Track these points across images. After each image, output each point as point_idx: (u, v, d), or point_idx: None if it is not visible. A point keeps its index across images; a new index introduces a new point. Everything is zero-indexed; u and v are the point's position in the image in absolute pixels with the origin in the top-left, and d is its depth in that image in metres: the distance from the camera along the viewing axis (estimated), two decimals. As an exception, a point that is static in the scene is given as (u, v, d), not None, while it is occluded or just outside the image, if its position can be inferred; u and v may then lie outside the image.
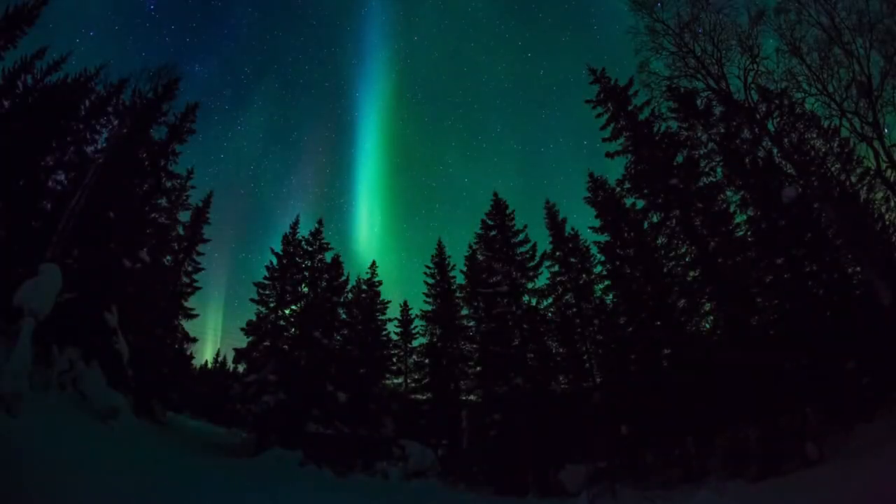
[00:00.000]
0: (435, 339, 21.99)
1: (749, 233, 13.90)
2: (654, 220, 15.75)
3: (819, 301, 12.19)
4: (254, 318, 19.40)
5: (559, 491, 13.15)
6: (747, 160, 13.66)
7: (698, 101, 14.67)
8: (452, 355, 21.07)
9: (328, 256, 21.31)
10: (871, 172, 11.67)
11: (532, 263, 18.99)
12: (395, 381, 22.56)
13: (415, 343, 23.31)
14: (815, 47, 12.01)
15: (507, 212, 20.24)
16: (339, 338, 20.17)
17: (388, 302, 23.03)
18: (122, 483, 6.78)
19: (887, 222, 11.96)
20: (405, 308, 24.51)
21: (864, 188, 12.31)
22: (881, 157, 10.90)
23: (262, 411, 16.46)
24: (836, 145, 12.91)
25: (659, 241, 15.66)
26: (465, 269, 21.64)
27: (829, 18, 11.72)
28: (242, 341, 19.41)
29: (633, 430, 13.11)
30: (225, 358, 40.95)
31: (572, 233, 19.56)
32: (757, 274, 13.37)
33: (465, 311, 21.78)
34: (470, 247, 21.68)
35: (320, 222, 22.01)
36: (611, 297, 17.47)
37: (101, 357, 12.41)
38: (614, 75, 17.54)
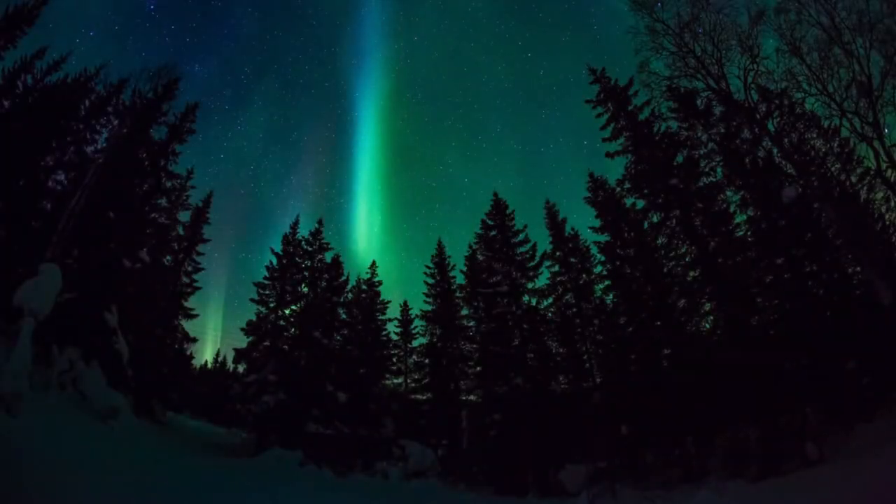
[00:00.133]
0: (435, 339, 21.99)
1: (749, 233, 13.89)
2: (654, 220, 15.75)
3: (819, 301, 12.18)
4: (254, 318, 19.42)
5: (559, 491, 13.15)
6: (747, 160, 13.65)
7: (698, 101, 14.67)
8: (452, 355, 21.07)
9: (328, 256, 21.35)
10: (872, 172, 11.67)
11: (532, 263, 18.99)
12: (395, 381, 22.56)
13: (415, 343, 23.33)
14: (815, 47, 12.02)
15: (507, 212, 20.24)
16: (339, 338, 20.17)
17: (388, 302, 23.07)
18: (122, 483, 6.77)
19: (887, 222, 11.96)
20: (405, 308, 24.52)
21: (865, 188, 12.30)
22: (881, 157, 10.90)
23: (262, 411, 16.46)
24: (836, 145, 12.91)
25: (659, 241, 15.66)
26: (465, 269, 21.64)
27: (829, 18, 11.72)
28: (242, 341, 19.45)
29: (633, 430, 13.11)
30: (225, 358, 40.98)
31: (572, 233, 19.57)
32: (757, 274, 13.37)
33: (465, 311, 21.79)
34: (470, 247, 21.69)
35: (320, 222, 22.04)
36: (611, 297, 17.48)
37: (101, 357, 12.41)
38: (614, 75, 17.57)
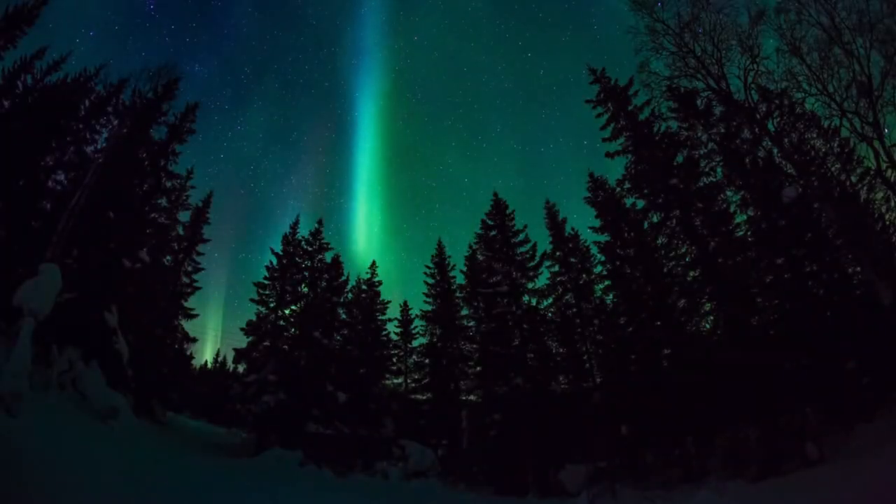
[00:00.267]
0: (435, 339, 21.99)
1: (749, 233, 13.90)
2: (654, 220, 15.75)
3: (819, 301, 12.18)
4: (254, 318, 19.42)
5: (559, 491, 13.15)
6: (747, 160, 13.65)
7: (698, 101, 14.67)
8: (452, 355, 21.08)
9: (328, 256, 21.35)
10: (872, 172, 11.66)
11: (532, 263, 18.99)
12: (395, 381, 22.56)
13: (415, 343, 23.33)
14: (815, 47, 12.01)
15: (507, 212, 20.24)
16: (339, 338, 20.17)
17: (388, 302, 23.07)
18: (122, 483, 6.77)
19: (887, 222, 11.95)
20: (405, 308, 24.52)
21: (865, 188, 12.30)
22: (881, 157, 10.90)
23: (262, 411, 16.46)
24: (836, 145, 12.91)
25: (659, 241, 15.66)
26: (465, 269, 21.65)
27: (829, 18, 11.71)
28: (242, 341, 19.45)
29: (633, 430, 13.11)
30: (225, 358, 40.94)
31: (572, 233, 19.58)
32: (757, 274, 13.37)
33: (465, 311, 21.80)
34: (470, 247, 21.70)
35: (320, 222, 22.04)
36: (611, 297, 17.49)
37: (101, 357, 12.41)
38: (614, 75, 17.58)
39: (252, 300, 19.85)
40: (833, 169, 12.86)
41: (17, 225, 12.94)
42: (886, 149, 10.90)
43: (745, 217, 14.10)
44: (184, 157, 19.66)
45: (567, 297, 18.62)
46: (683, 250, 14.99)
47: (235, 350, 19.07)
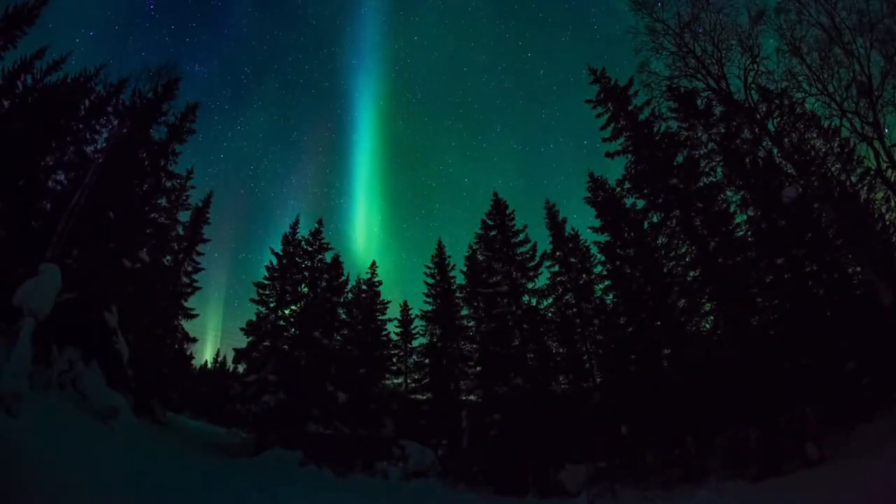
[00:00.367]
0: (435, 339, 21.99)
1: (749, 233, 13.89)
2: (654, 220, 15.75)
3: (819, 301, 12.18)
4: (254, 318, 19.42)
5: (559, 491, 13.15)
6: (747, 160, 13.65)
7: (698, 101, 14.66)
8: (452, 355, 21.08)
9: (328, 256, 21.35)
10: (872, 172, 11.66)
11: (532, 263, 18.99)
12: (395, 381, 22.56)
13: (415, 343, 23.33)
14: (815, 47, 12.01)
15: (507, 212, 20.24)
16: (339, 338, 20.17)
17: (388, 302, 23.07)
18: (121, 483, 6.77)
19: (887, 222, 11.95)
20: (405, 308, 24.52)
21: (865, 188, 12.30)
22: (881, 157, 10.90)
23: (262, 411, 16.46)
24: (836, 145, 12.90)
25: (659, 241, 15.66)
26: (465, 269, 21.65)
27: (829, 18, 11.71)
28: (242, 341, 19.45)
29: (633, 430, 13.11)
30: (225, 358, 40.95)
31: (572, 233, 19.58)
32: (757, 274, 13.37)
33: (465, 311, 21.80)
34: (470, 247, 21.70)
35: (320, 222, 22.04)
36: (611, 297, 17.49)
37: (101, 357, 12.40)
38: (614, 75, 17.58)
39: (252, 300, 19.88)
40: (833, 169, 12.85)
41: (17, 225, 12.94)
42: (886, 149, 10.90)
43: (745, 217, 14.12)
44: (184, 157, 19.69)
45: (567, 297, 18.62)
46: (683, 250, 15.00)
47: (235, 350, 19.08)
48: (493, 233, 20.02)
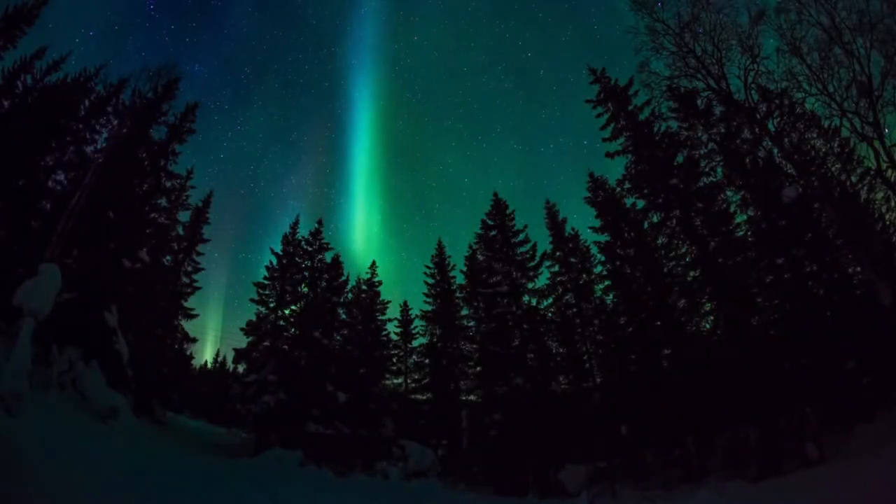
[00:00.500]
0: (435, 339, 21.99)
1: (749, 233, 13.90)
2: (655, 220, 15.76)
3: (819, 301, 12.18)
4: (254, 318, 19.42)
5: (559, 491, 13.14)
6: (747, 160, 13.65)
7: (698, 101, 14.66)
8: (452, 355, 21.08)
9: (328, 256, 21.35)
10: (872, 172, 11.66)
11: (532, 263, 18.99)
12: (395, 381, 22.56)
13: (415, 343, 23.33)
14: (815, 47, 12.00)
15: (507, 212, 20.23)
16: (339, 338, 20.16)
17: (388, 302, 23.07)
18: (121, 483, 6.77)
19: (887, 222, 11.95)
20: (405, 308, 24.52)
21: (865, 188, 12.30)
22: (881, 157, 10.89)
23: (262, 411, 16.45)
24: (836, 145, 12.90)
25: (659, 241, 15.67)
26: (465, 269, 21.65)
27: (829, 18, 11.70)
28: (242, 341, 19.44)
29: (633, 430, 13.10)
30: (225, 358, 40.94)
31: (572, 233, 19.59)
32: (757, 274, 13.37)
33: (465, 311, 21.80)
34: (470, 247, 21.70)
35: (320, 222, 22.04)
36: (611, 297, 17.49)
37: (101, 357, 12.40)
38: (614, 75, 17.58)
39: (252, 300, 19.87)
40: (833, 169, 12.85)
41: (17, 225, 12.93)
42: (886, 149, 10.89)
43: (745, 217, 14.12)
44: (184, 157, 19.70)
45: (567, 297, 18.62)
46: (683, 250, 15.00)
47: (235, 350, 19.08)
48: (493, 233, 20.02)
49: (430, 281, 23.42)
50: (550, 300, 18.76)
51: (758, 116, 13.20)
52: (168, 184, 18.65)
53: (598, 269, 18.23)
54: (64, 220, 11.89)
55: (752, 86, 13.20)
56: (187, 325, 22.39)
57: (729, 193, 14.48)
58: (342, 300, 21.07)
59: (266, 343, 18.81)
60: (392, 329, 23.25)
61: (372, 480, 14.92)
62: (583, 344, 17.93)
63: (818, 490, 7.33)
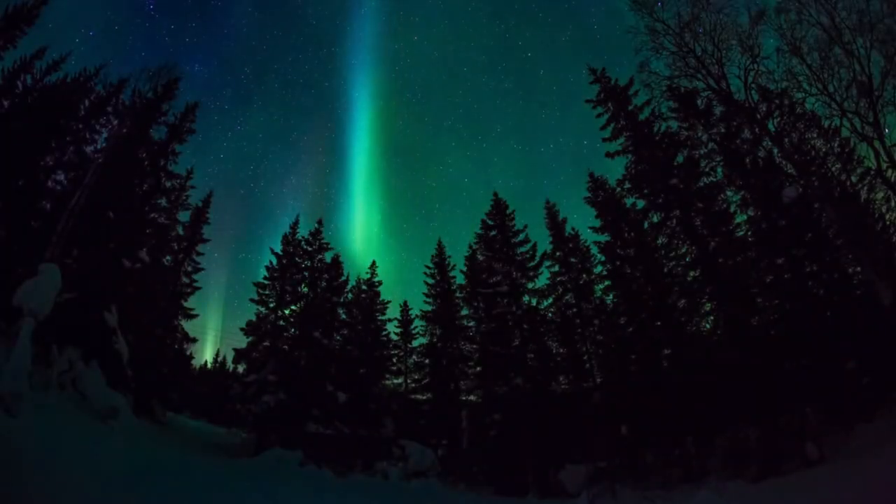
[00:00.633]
0: (435, 339, 21.99)
1: (749, 233, 13.90)
2: (655, 220, 15.76)
3: (819, 301, 12.18)
4: (254, 319, 19.41)
5: (559, 491, 13.15)
6: (748, 160, 13.65)
7: (699, 101, 14.66)
8: (452, 355, 21.08)
9: (328, 256, 21.34)
10: (872, 172, 11.66)
11: (532, 263, 18.99)
12: (395, 381, 22.56)
13: (415, 343, 23.33)
14: (815, 47, 11.99)
15: (507, 212, 20.24)
16: (339, 338, 20.16)
17: (388, 302, 23.07)
18: (121, 483, 6.77)
19: (888, 222, 11.95)
20: (405, 308, 24.52)
21: (865, 188, 12.30)
22: (881, 157, 10.89)
23: (262, 411, 16.45)
24: (836, 145, 12.90)
25: (659, 241, 15.67)
26: (465, 269, 21.65)
27: (829, 18, 11.70)
28: (242, 341, 19.43)
29: (633, 430, 13.11)
30: (225, 358, 40.95)
31: (572, 233, 19.60)
32: (757, 274, 13.38)
33: (465, 311, 21.80)
34: (470, 247, 21.71)
35: (320, 222, 22.02)
36: (611, 297, 17.50)
37: (101, 357, 12.39)
38: (614, 75, 17.59)
39: (252, 300, 19.86)
40: (833, 169, 12.85)
41: (17, 225, 12.93)
42: (887, 149, 10.89)
43: (745, 217, 14.13)
44: (184, 157, 19.70)
45: (567, 297, 18.62)
46: (683, 250, 15.00)
47: (235, 350, 19.07)
48: (493, 233, 20.02)
49: (430, 281, 23.43)
50: (550, 300, 18.77)
51: (758, 116, 13.20)
52: (168, 184, 18.65)
53: (598, 269, 18.26)
54: (64, 220, 11.89)
55: (753, 86, 13.21)
56: (187, 325, 22.42)
57: (729, 193, 14.51)
58: (342, 300, 21.07)
59: (266, 343, 18.80)
60: (392, 329, 23.28)
61: (372, 480, 14.91)
62: (583, 344, 17.94)
63: (818, 490, 7.33)
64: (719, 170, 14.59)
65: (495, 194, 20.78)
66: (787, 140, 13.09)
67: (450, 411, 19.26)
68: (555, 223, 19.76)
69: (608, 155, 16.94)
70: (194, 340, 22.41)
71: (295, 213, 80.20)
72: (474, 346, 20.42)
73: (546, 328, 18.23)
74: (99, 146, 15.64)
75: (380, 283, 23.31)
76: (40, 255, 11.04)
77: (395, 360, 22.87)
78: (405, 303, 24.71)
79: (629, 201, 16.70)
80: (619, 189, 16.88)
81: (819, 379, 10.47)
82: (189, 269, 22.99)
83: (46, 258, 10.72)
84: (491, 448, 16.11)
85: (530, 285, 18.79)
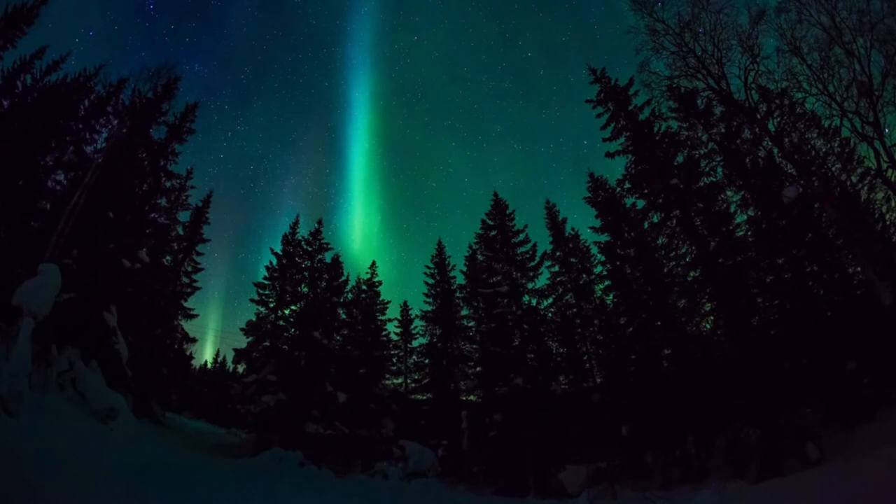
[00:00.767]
0: (435, 339, 22.02)
1: (749, 233, 13.90)
2: (655, 220, 15.76)
3: (819, 301, 12.18)
4: (254, 318, 19.42)
5: (559, 491, 13.14)
6: (748, 160, 13.65)
7: (699, 101, 14.64)
8: (452, 355, 21.09)
9: (328, 256, 21.34)
10: (872, 172, 11.64)
11: (532, 263, 19.00)
12: (395, 381, 22.59)
13: (415, 343, 23.38)
14: (815, 47, 11.97)
15: (508, 212, 20.25)
16: (339, 338, 20.16)
17: (388, 302, 23.09)
18: (121, 483, 6.76)
19: (888, 222, 11.95)
20: (405, 308, 24.54)
21: (865, 188, 12.29)
22: (882, 157, 10.87)
23: (262, 411, 16.44)
24: (836, 145, 12.90)
25: (659, 241, 15.68)
26: (465, 269, 21.67)
27: (829, 18, 11.68)
28: (242, 341, 19.44)
29: (633, 430, 13.12)
30: (225, 358, 41.01)
31: (572, 233, 19.63)
32: (757, 274, 13.37)
33: (465, 311, 21.84)
34: (470, 247, 21.75)
35: (320, 222, 22.03)
36: (611, 297, 17.50)
37: (101, 357, 12.39)
38: (614, 75, 17.60)
39: (252, 300, 19.86)
40: (833, 169, 12.85)
41: (17, 225, 12.92)
42: (887, 149, 10.87)
43: (745, 217, 14.13)
44: (184, 157, 19.74)
45: (567, 297, 18.64)
46: (683, 250, 15.00)
47: (235, 350, 19.06)
48: (494, 233, 20.03)
49: (430, 281, 23.44)
50: (550, 300, 18.79)
51: (758, 116, 13.19)
52: (168, 184, 18.67)
53: (598, 269, 18.29)
54: (64, 220, 11.87)
55: (753, 86, 13.18)
56: (187, 325, 22.44)
57: (729, 193, 14.51)
58: (342, 300, 21.07)
59: (266, 343, 18.80)
60: (392, 329, 23.31)
61: (372, 480, 14.92)
62: (583, 344, 17.94)
63: (818, 490, 7.31)
64: (719, 170, 14.59)
65: (495, 194, 20.82)
66: (787, 140, 13.08)
67: (450, 411, 19.27)
68: (555, 223, 19.77)
69: (608, 155, 16.94)
70: (194, 340, 22.45)
71: (295, 213, 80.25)
72: (474, 346, 20.43)
73: (546, 328, 18.23)
74: (99, 146, 15.63)
75: (380, 283, 23.36)
76: (40, 255, 11.02)
77: (395, 360, 22.89)
78: (405, 303, 24.79)
79: (629, 201, 16.74)
80: (619, 189, 16.89)
81: (819, 379, 10.47)
82: (189, 269, 23.01)
83: (46, 258, 10.71)
84: (491, 448, 16.11)
85: (530, 285, 18.82)
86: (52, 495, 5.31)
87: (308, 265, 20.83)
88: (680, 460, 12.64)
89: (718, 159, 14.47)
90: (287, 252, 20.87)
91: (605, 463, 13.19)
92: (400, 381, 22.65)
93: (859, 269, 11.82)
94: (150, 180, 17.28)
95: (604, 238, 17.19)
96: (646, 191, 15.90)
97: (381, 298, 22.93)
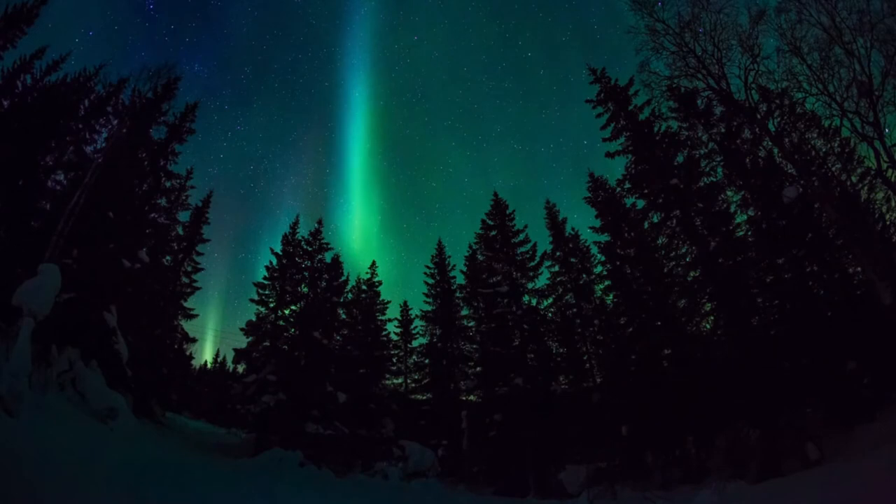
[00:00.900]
0: (435, 339, 22.02)
1: (749, 233, 13.90)
2: (655, 220, 15.76)
3: (820, 301, 12.18)
4: (253, 318, 19.42)
5: (559, 491, 13.15)
6: (748, 160, 13.65)
7: (699, 101, 14.64)
8: (452, 355, 21.09)
9: (328, 256, 21.34)
10: (872, 172, 11.64)
11: (532, 263, 19.01)
12: (395, 381, 22.60)
13: (415, 343, 23.39)
14: (815, 47, 11.97)
15: (508, 212, 20.26)
16: (339, 338, 20.17)
17: (388, 302, 23.11)
18: (121, 483, 6.76)
19: (888, 222, 11.95)
20: (405, 308, 24.55)
21: (865, 188, 12.30)
22: (882, 157, 10.87)
23: (262, 411, 16.45)
24: (836, 145, 12.90)
25: (659, 241, 15.68)
26: (465, 269, 21.67)
27: (829, 18, 11.68)
28: (242, 341, 19.44)
29: (633, 430, 13.12)
30: (225, 358, 41.01)
31: (572, 233, 19.64)
32: (757, 274, 13.37)
33: (465, 311, 21.85)
34: (470, 247, 21.75)
35: (320, 222, 22.03)
36: (611, 297, 17.51)
37: (101, 357, 12.40)
38: (614, 75, 17.60)
39: (252, 300, 19.87)
40: (833, 169, 12.85)
41: (17, 225, 12.92)
42: (887, 149, 10.87)
43: (745, 217, 14.13)
44: (183, 157, 19.75)
45: (567, 297, 18.64)
46: (683, 250, 15.00)
47: (235, 350, 19.06)
48: (493, 233, 20.04)
49: (430, 281, 23.45)
50: (550, 300, 18.80)
51: (758, 116, 13.18)
52: (168, 184, 18.67)
53: (598, 269, 18.30)
54: (64, 220, 11.87)
55: (753, 86, 13.18)
56: (187, 325, 22.44)
57: (729, 193, 14.51)
58: (342, 300, 21.07)
59: (266, 343, 18.81)
60: (392, 329, 23.32)
61: (372, 480, 14.91)
62: (583, 344, 17.95)
63: (818, 491, 7.31)
64: (719, 170, 14.59)
65: (495, 194, 20.83)
66: (787, 140, 13.08)
67: (450, 411, 19.27)
68: (555, 223, 19.78)
69: (608, 155, 16.94)
70: (194, 340, 22.45)
71: (295, 213, 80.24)
72: (474, 346, 20.44)
73: (546, 328, 18.24)
74: (99, 146, 15.63)
75: (380, 283, 23.36)
76: (40, 255, 11.02)
77: (395, 360, 22.90)
78: (405, 303, 24.80)
79: (629, 201, 16.74)
80: (619, 189, 16.89)
81: (819, 379, 10.47)
82: (189, 269, 23.01)
83: (46, 258, 10.71)
84: (491, 448, 16.11)
85: (530, 285, 18.83)
86: (52, 495, 5.31)
87: (308, 265, 20.83)
88: (680, 460, 12.65)
89: (718, 159, 14.48)
90: (287, 252, 20.87)
91: (605, 463, 13.20)
92: (400, 381, 22.66)
93: (859, 269, 11.83)
94: (150, 180, 17.28)
95: (604, 238, 17.22)
96: (646, 191, 15.90)
97: (381, 298, 22.95)
